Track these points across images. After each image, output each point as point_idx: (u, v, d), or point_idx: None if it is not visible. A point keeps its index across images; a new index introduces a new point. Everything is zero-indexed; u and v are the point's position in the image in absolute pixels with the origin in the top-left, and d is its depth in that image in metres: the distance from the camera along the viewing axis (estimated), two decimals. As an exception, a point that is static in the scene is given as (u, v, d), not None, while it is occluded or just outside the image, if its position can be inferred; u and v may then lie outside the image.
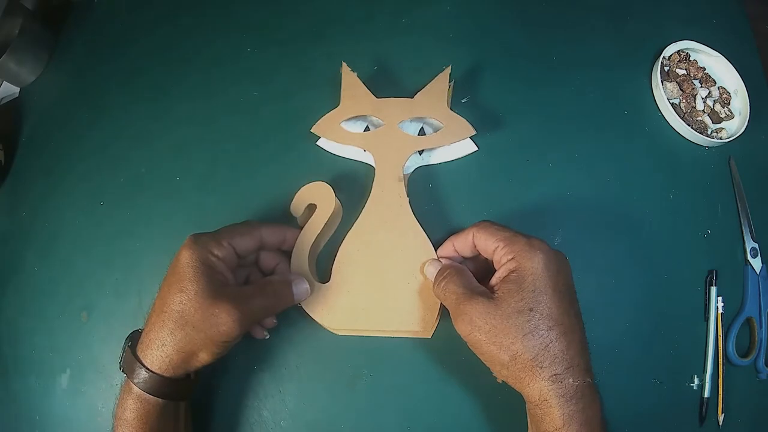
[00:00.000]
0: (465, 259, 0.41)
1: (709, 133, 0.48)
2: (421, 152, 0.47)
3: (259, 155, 0.50)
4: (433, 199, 0.46)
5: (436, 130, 0.47)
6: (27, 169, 0.54)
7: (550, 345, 0.32)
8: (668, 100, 0.48)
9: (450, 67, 0.47)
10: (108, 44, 0.58)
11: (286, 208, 0.44)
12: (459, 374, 0.42)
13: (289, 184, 0.44)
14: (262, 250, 0.42)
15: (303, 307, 0.42)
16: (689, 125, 0.47)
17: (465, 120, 0.45)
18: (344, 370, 0.43)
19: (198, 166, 0.50)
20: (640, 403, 0.42)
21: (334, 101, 0.47)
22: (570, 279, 0.36)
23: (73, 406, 0.45)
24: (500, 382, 0.35)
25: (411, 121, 0.47)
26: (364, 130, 0.48)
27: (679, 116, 0.47)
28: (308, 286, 0.40)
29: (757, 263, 0.45)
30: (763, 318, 0.44)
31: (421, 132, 0.48)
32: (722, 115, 0.49)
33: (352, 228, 0.43)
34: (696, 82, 0.50)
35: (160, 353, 0.35)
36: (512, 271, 0.35)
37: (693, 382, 0.42)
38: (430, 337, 0.42)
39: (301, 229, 0.43)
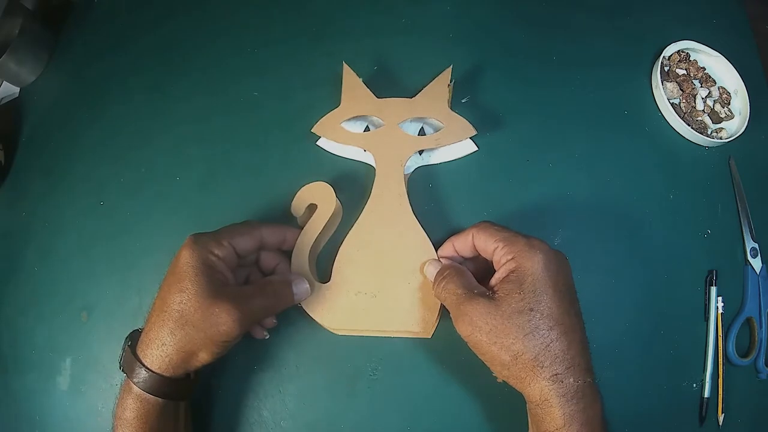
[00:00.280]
0: (465, 259, 0.41)
1: (709, 133, 0.48)
2: (421, 152, 0.47)
3: (259, 155, 0.49)
4: (433, 199, 0.46)
5: (436, 130, 0.47)
6: (27, 169, 0.54)
7: (551, 345, 0.32)
8: (668, 100, 0.48)
9: (451, 68, 0.47)
10: (108, 44, 0.58)
11: (286, 208, 0.44)
12: (459, 374, 0.42)
13: (290, 184, 0.44)
14: (262, 250, 0.42)
15: (303, 307, 0.42)
16: (689, 125, 0.47)
17: (466, 120, 0.45)
18: (344, 370, 0.43)
19: (198, 166, 0.50)
20: (640, 402, 0.42)
21: (334, 101, 0.47)
22: (570, 278, 0.36)
23: (73, 406, 0.45)
24: (500, 382, 0.35)
25: (411, 121, 0.47)
26: (364, 130, 0.48)
27: (679, 116, 0.47)
28: (308, 286, 0.40)
29: (757, 263, 0.45)
30: (763, 318, 0.44)
31: (421, 132, 0.48)
32: (722, 115, 0.49)
33: (353, 228, 0.44)
34: (696, 82, 0.50)
35: (160, 353, 0.35)
36: (512, 272, 0.35)
37: (693, 382, 0.42)
38: (430, 337, 0.42)
39: (302, 229, 0.43)
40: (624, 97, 0.50)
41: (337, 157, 0.48)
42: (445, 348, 0.42)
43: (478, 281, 0.38)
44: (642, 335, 0.43)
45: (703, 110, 0.49)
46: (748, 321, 0.44)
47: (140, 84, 0.54)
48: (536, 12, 0.53)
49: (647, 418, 0.41)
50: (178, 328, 0.34)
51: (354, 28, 0.54)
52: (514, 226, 0.38)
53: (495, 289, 0.35)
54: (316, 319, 0.42)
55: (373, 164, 0.46)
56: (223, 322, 0.34)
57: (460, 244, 0.40)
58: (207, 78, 0.53)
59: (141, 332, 0.37)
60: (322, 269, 0.44)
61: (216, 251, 0.37)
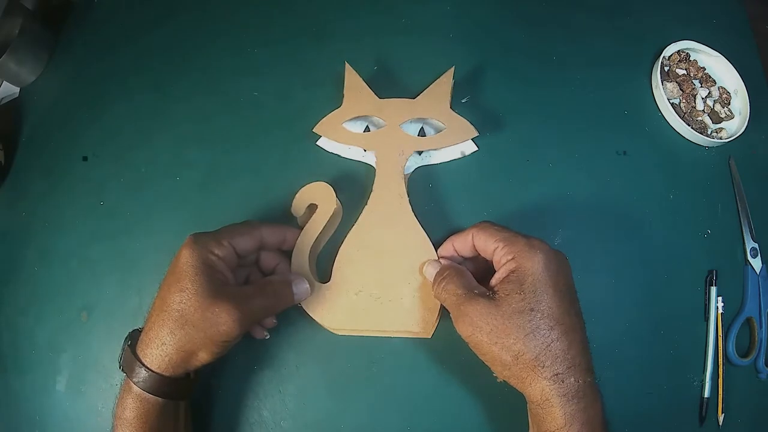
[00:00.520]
0: (465, 259, 0.41)
1: (709, 133, 0.48)
2: (421, 152, 0.47)
3: (259, 155, 0.49)
4: (433, 199, 0.46)
5: (436, 130, 0.47)
6: (27, 169, 0.54)
7: (552, 345, 0.32)
8: (668, 100, 0.48)
9: (453, 69, 0.47)
10: (108, 44, 0.58)
11: (286, 208, 0.44)
12: (459, 374, 0.42)
13: (290, 184, 0.44)
14: (262, 250, 0.42)
15: (303, 307, 0.42)
16: (689, 125, 0.47)
17: (467, 121, 0.45)
18: (344, 370, 0.43)
19: (198, 165, 0.50)
20: (640, 402, 0.42)
21: (334, 101, 0.47)
22: (570, 278, 0.36)
23: (73, 406, 0.45)
24: (501, 381, 0.35)
25: (411, 121, 0.47)
26: (364, 130, 0.48)
27: (679, 116, 0.47)
28: (308, 286, 0.40)
29: (757, 263, 0.45)
30: (763, 318, 0.44)
31: (421, 132, 0.48)
32: (722, 115, 0.49)
33: (353, 228, 0.44)
34: (696, 82, 0.50)
35: (159, 352, 0.35)
36: (512, 272, 0.35)
37: (693, 382, 0.42)
38: (430, 337, 0.42)
39: (302, 229, 0.43)
40: (624, 97, 0.50)
41: (338, 157, 0.48)
42: (445, 348, 0.42)
43: (478, 281, 0.38)
44: (642, 335, 0.43)
45: (703, 110, 0.49)
46: (748, 321, 0.44)
47: (140, 84, 0.54)
48: (536, 12, 0.53)
49: (647, 418, 0.41)
50: (177, 327, 0.34)
51: (354, 28, 0.54)
52: (514, 226, 0.38)
53: (495, 289, 0.35)
54: (316, 319, 0.42)
55: (373, 164, 0.46)
56: (223, 322, 0.34)
57: (460, 244, 0.40)
58: (207, 78, 0.53)
59: (141, 332, 0.37)
60: (322, 269, 0.44)
61: (216, 251, 0.37)
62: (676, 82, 0.49)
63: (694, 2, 0.54)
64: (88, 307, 0.47)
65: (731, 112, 0.49)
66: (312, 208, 0.43)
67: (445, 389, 0.42)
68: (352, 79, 0.48)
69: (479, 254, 0.39)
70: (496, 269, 0.37)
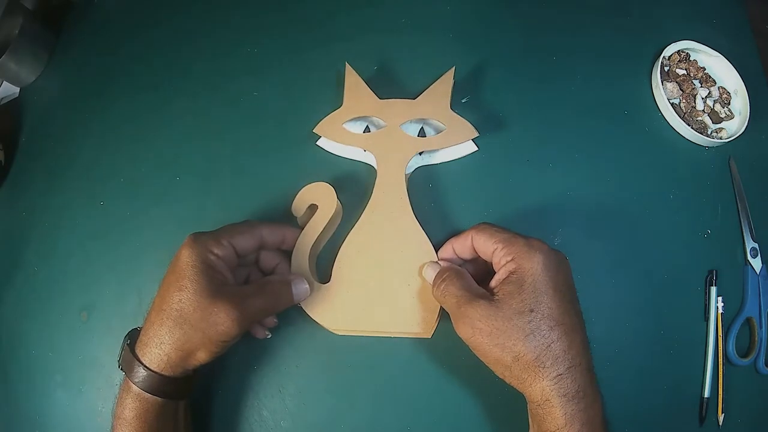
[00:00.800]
0: (464, 261, 0.41)
1: (709, 133, 0.48)
2: (421, 152, 0.47)
3: (259, 155, 0.49)
4: (433, 199, 0.46)
5: (436, 130, 0.47)
6: (27, 169, 0.54)
7: (552, 345, 0.32)
8: (668, 100, 0.48)
9: (453, 69, 0.47)
10: (108, 44, 0.58)
11: (287, 208, 0.44)
12: (459, 374, 0.42)
13: (291, 185, 0.44)
14: (262, 250, 0.42)
15: (303, 307, 0.42)
16: (689, 125, 0.47)
17: (468, 122, 0.45)
18: (344, 370, 0.43)
19: (198, 165, 0.50)
20: (640, 402, 0.42)
21: (334, 101, 0.47)
22: (570, 278, 0.36)
23: (73, 406, 0.45)
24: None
25: (412, 122, 0.47)
26: (364, 131, 0.48)
27: (679, 116, 0.47)
28: (308, 286, 0.40)
29: (757, 263, 0.45)
30: (763, 318, 0.44)
31: (421, 132, 0.48)
32: (722, 115, 0.49)
33: (353, 229, 0.43)
34: (696, 82, 0.50)
35: (158, 351, 0.35)
36: (512, 273, 0.35)
37: (693, 382, 0.42)
38: (430, 337, 0.42)
39: (302, 229, 0.43)
40: (624, 97, 0.50)
41: (338, 157, 0.48)
42: (445, 348, 0.42)
43: (477, 283, 0.38)
44: (642, 335, 0.43)
45: (703, 110, 0.49)
46: (748, 321, 0.44)
47: (140, 84, 0.54)
48: (536, 12, 0.53)
49: (647, 418, 0.41)
50: (176, 326, 0.34)
51: (354, 28, 0.54)
52: (514, 226, 0.38)
53: (495, 290, 0.35)
54: (316, 320, 0.42)
55: (374, 164, 0.46)
56: (222, 321, 0.34)
57: (460, 246, 0.40)
58: (207, 78, 0.53)
59: (140, 331, 0.37)
60: (323, 269, 0.44)
61: (215, 250, 0.37)
62: (676, 82, 0.49)
63: (694, 2, 0.54)
64: (88, 307, 0.47)
65: (731, 112, 0.49)
66: (312, 208, 0.43)
67: (445, 389, 0.42)
68: (353, 80, 0.47)
69: (479, 256, 0.39)
70: (495, 270, 0.37)
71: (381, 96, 0.47)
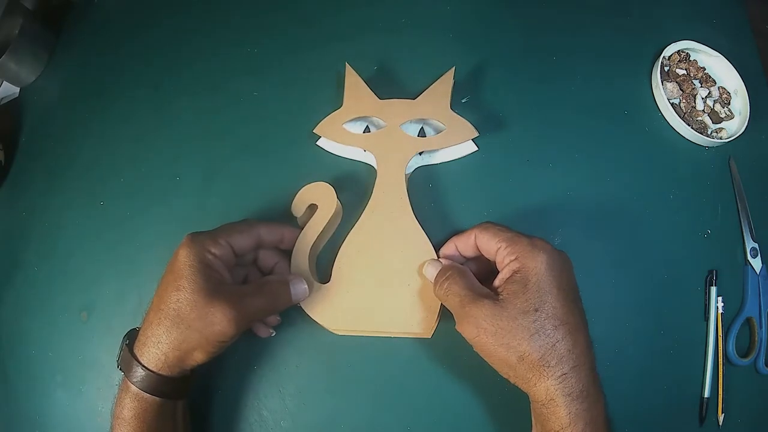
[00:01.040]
0: (467, 259, 0.41)
1: (709, 133, 0.48)
2: (421, 152, 0.47)
3: (259, 155, 0.49)
4: (433, 199, 0.46)
5: (436, 130, 0.47)
6: (27, 169, 0.54)
7: (557, 344, 0.32)
8: (668, 100, 0.48)
9: (453, 69, 0.47)
10: (108, 44, 0.58)
11: (287, 208, 0.44)
12: (459, 374, 0.42)
13: (290, 184, 0.44)
14: (260, 249, 0.42)
15: (303, 307, 0.42)
16: (689, 125, 0.47)
17: (468, 122, 0.45)
18: (344, 370, 0.43)
19: (198, 165, 0.50)
20: (640, 402, 0.42)
21: (334, 101, 0.47)
22: (573, 278, 0.36)
23: (73, 406, 0.45)
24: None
25: (412, 122, 0.47)
26: (364, 131, 0.48)
27: (679, 116, 0.47)
28: (306, 286, 0.40)
29: (757, 263, 0.45)
30: (763, 318, 0.44)
31: (421, 132, 0.48)
32: (722, 115, 0.49)
33: (353, 228, 0.43)
34: (696, 82, 0.50)
35: (156, 351, 0.35)
36: (516, 272, 0.35)
37: (693, 382, 0.42)
38: (430, 337, 0.42)
39: (302, 229, 0.43)
40: (624, 97, 0.50)
41: (338, 157, 0.48)
42: (445, 348, 0.42)
43: (479, 282, 0.38)
44: (642, 335, 0.43)
45: (703, 110, 0.49)
46: (748, 321, 0.44)
47: (140, 84, 0.54)
48: (536, 12, 0.53)
49: (647, 417, 0.41)
50: (173, 326, 0.34)
51: (354, 28, 0.54)
52: (514, 225, 0.38)
53: (499, 290, 0.35)
54: (316, 320, 0.42)
55: (374, 164, 0.46)
56: (218, 321, 0.34)
57: (463, 244, 0.40)
58: (207, 78, 0.53)
59: (139, 331, 0.37)
60: (322, 269, 0.44)
61: (213, 250, 0.37)
62: (676, 82, 0.49)
63: (694, 2, 0.54)
64: (88, 306, 0.47)
65: (731, 112, 0.49)
66: (312, 208, 0.43)
67: (445, 389, 0.42)
68: (353, 80, 0.47)
69: (481, 254, 0.39)
70: (499, 269, 0.37)
71: (381, 96, 0.47)
